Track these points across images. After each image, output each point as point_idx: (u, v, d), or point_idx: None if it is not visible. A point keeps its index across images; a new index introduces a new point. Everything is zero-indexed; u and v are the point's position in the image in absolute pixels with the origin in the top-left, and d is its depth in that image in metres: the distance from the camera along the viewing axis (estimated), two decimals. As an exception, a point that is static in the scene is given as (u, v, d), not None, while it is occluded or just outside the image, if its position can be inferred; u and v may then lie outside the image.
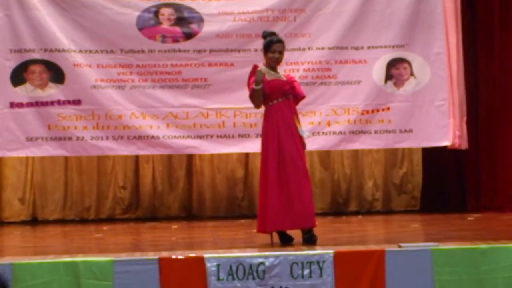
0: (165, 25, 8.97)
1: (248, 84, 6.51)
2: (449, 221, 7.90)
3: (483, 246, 5.06)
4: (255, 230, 7.55)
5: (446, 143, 8.97)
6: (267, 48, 6.48)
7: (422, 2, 9.03)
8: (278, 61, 6.54)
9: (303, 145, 6.33)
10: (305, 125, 8.69)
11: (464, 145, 8.99)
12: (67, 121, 8.72)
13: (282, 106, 6.34)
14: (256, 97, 6.39)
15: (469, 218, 8.11)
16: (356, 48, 9.02)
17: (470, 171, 9.51)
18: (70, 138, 8.73)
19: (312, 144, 8.92)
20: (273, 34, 6.62)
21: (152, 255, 5.06)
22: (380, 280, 4.98)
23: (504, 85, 9.23)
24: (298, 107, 8.87)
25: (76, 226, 8.90)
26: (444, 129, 8.95)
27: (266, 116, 6.41)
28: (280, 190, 6.04)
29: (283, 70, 8.92)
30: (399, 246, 5.08)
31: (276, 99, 6.37)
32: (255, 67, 6.48)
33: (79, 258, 5.03)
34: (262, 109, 8.66)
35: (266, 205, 6.09)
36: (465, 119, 9.00)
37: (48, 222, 9.45)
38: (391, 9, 9.03)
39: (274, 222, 6.04)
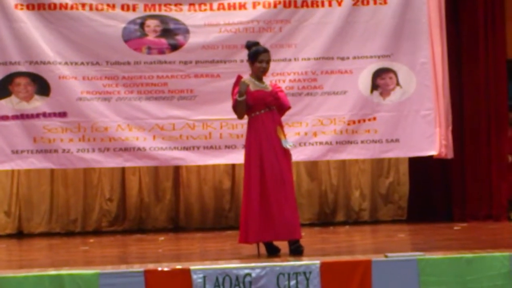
0: (151, 37, 8.96)
1: (232, 95, 6.51)
2: (436, 230, 7.91)
3: (469, 255, 5.07)
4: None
5: (433, 152, 9.00)
6: (253, 58, 6.45)
7: (407, 12, 9.07)
8: (265, 71, 6.53)
9: (288, 156, 6.30)
10: (291, 136, 8.74)
11: (450, 155, 9.02)
12: (52, 134, 8.69)
13: (264, 118, 6.33)
14: (239, 108, 6.39)
15: (455, 228, 8.13)
16: (342, 59, 9.05)
17: (456, 181, 9.53)
18: (56, 151, 8.70)
19: (299, 155, 8.94)
20: (257, 43, 6.61)
21: (138, 268, 5.04)
22: (367, 290, 4.97)
23: (488, 94, 9.28)
24: (284, 118, 8.89)
25: (62, 239, 8.86)
26: (430, 138, 8.98)
27: (249, 127, 6.41)
28: (262, 201, 6.02)
29: (268, 81, 9.01)
30: (386, 256, 5.08)
31: (259, 110, 6.36)
32: (239, 78, 6.47)
33: (64, 271, 5.00)
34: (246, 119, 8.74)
35: (248, 216, 6.08)
36: (450, 128, 9.03)
37: (33, 235, 9.39)
38: (376, 19, 9.07)
39: (256, 233, 6.02)
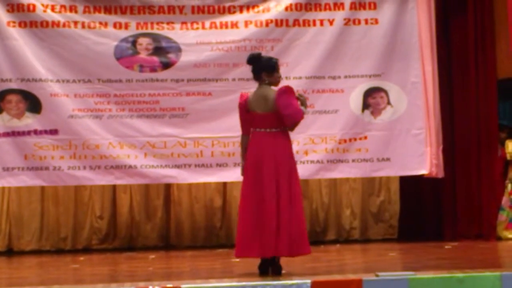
0: (143, 55, 8.98)
1: (293, 106, 5.79)
2: (427, 249, 7.91)
3: (460, 275, 5.06)
4: (234, 259, 7.54)
5: (423, 171, 9.02)
6: (274, 68, 5.96)
7: (398, 32, 9.14)
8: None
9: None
10: (283, 154, 8.73)
11: (441, 174, 9.04)
12: (43, 151, 8.68)
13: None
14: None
15: (446, 247, 8.13)
16: (333, 78, 9.09)
17: (447, 200, 9.55)
18: (46, 168, 8.68)
19: (291, 173, 8.93)
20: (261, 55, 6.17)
21: (129, 286, 5.02)
22: (358, 310, 4.96)
23: (479, 113, 9.31)
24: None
25: (52, 256, 8.81)
26: (421, 157, 9.00)
27: (284, 139, 5.91)
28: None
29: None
30: (377, 275, 5.08)
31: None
32: (291, 89, 5.84)
33: (54, 290, 4.98)
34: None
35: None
36: (441, 147, 9.06)
37: (24, 253, 9.35)
38: (367, 39, 9.12)
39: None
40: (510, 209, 9.04)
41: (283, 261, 5.91)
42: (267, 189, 5.66)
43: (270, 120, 5.73)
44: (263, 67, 5.92)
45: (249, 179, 5.74)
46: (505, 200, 9.10)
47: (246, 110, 5.86)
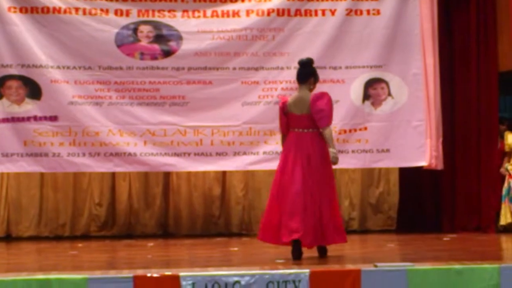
0: (144, 42, 8.96)
1: (325, 113, 6.24)
2: (425, 241, 7.92)
3: (458, 266, 5.06)
4: (232, 248, 7.54)
5: (423, 163, 9.01)
6: (318, 78, 6.43)
7: (400, 23, 9.11)
8: None
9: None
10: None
11: (440, 166, 9.04)
12: (43, 137, 8.67)
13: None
14: None
15: (444, 239, 8.14)
16: (334, 68, 9.06)
17: (446, 192, 9.56)
18: (46, 154, 8.67)
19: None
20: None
21: (127, 273, 5.01)
22: (356, 300, 4.97)
23: (480, 106, 9.30)
24: (276, 125, 8.97)
25: (50, 243, 8.82)
26: (421, 149, 8.99)
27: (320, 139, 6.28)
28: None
29: (261, 89, 9.03)
30: (375, 266, 5.08)
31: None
32: (326, 95, 6.28)
33: (52, 276, 4.97)
34: (241, 127, 8.65)
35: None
36: (441, 139, 9.05)
37: (22, 239, 9.36)
38: (369, 29, 9.09)
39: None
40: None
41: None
42: (300, 182, 6.04)
43: (305, 121, 6.13)
44: (313, 74, 6.33)
45: (281, 171, 6.16)
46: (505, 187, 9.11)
47: (284, 112, 6.23)
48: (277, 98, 8.83)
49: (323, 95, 6.23)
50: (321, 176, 6.09)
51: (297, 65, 8.94)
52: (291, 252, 6.09)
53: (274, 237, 6.17)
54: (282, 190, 6.17)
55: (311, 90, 6.30)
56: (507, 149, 9.21)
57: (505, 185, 9.08)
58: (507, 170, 9.11)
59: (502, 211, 9.03)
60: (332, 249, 6.38)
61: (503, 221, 9.02)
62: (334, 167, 6.32)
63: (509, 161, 9.16)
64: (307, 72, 6.34)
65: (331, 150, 6.13)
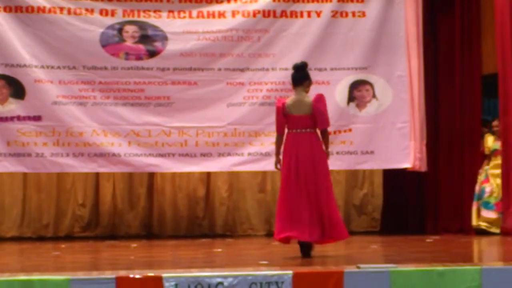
0: (129, 43, 8.94)
1: (326, 115, 6.45)
2: (408, 242, 7.94)
3: (440, 268, 5.07)
4: (216, 249, 7.54)
5: (407, 165, 9.04)
6: (311, 79, 6.58)
7: (385, 25, 9.14)
8: None
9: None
10: (268, 145, 8.77)
11: (424, 168, 9.07)
12: (26, 137, 8.62)
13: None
14: None
15: (427, 240, 8.16)
16: (320, 70, 9.08)
17: (429, 194, 9.60)
18: (29, 155, 8.63)
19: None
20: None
21: (110, 274, 4.98)
22: (338, 301, 4.97)
23: (463, 108, 9.34)
24: (261, 127, 9.00)
25: (33, 243, 8.77)
26: (405, 151, 9.02)
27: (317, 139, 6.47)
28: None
29: (246, 90, 9.04)
30: (358, 267, 5.08)
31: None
32: (325, 98, 6.48)
33: (35, 277, 4.95)
34: (226, 128, 8.62)
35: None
36: (425, 141, 9.09)
37: (4, 239, 9.31)
38: (354, 32, 9.12)
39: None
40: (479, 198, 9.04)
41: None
42: (302, 181, 6.23)
43: (304, 121, 6.30)
44: (308, 77, 6.49)
45: (286, 172, 6.31)
46: (477, 189, 9.10)
47: (283, 113, 6.36)
48: (274, 99, 8.85)
49: (322, 97, 6.43)
50: (319, 174, 6.28)
51: (282, 67, 9.07)
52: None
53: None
54: (289, 188, 6.33)
55: (307, 92, 6.46)
56: (486, 152, 9.22)
57: (477, 187, 9.06)
58: (485, 173, 9.10)
59: (473, 213, 9.03)
60: (315, 250, 6.39)
61: (474, 222, 9.03)
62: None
63: (488, 164, 9.17)
64: (302, 75, 6.48)
65: (327, 150, 6.39)
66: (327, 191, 6.31)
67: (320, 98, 6.38)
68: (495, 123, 9.15)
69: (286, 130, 6.40)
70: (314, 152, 6.28)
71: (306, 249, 6.28)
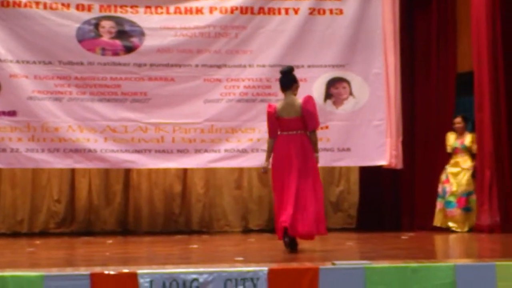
0: (106, 38, 8.90)
1: (316, 116, 6.57)
2: (384, 239, 7.97)
3: (415, 264, 5.10)
4: (192, 246, 7.52)
5: (383, 162, 9.08)
6: (298, 82, 6.71)
7: (362, 23, 9.17)
8: None
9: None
10: (244, 142, 8.77)
11: (400, 165, 9.12)
12: (1, 133, 8.56)
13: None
14: None
15: (403, 237, 8.20)
16: (297, 67, 9.01)
17: (405, 191, 9.64)
18: (4, 150, 8.57)
19: (251, 161, 8.97)
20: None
21: (84, 270, 4.95)
22: (313, 298, 4.98)
23: (439, 106, 9.39)
24: (238, 123, 9.01)
25: (7, 239, 8.70)
26: (381, 148, 9.07)
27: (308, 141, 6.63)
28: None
29: (223, 87, 9.03)
30: (333, 264, 5.10)
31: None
32: (314, 99, 6.65)
33: (8, 273, 4.91)
34: (203, 124, 8.64)
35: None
36: (401, 139, 9.13)
37: (-21, 235, 9.23)
38: (331, 29, 9.14)
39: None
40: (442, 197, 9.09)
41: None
42: (292, 180, 6.40)
43: (295, 123, 6.50)
44: (295, 80, 6.65)
45: (278, 173, 6.51)
46: (440, 189, 9.14)
47: (275, 117, 6.57)
48: (251, 96, 8.98)
49: (311, 99, 6.61)
50: (308, 173, 6.47)
51: (260, 63, 9.07)
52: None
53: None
54: (282, 187, 6.49)
55: (295, 95, 6.62)
56: (448, 150, 9.19)
57: (440, 187, 9.10)
58: (446, 172, 9.12)
59: (437, 213, 9.06)
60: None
61: (436, 221, 9.07)
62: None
63: (449, 163, 9.18)
64: (289, 79, 6.63)
65: (317, 155, 6.55)
66: (315, 189, 6.46)
67: (308, 100, 6.54)
68: (456, 120, 9.16)
69: (278, 133, 6.59)
70: (305, 152, 6.47)
71: (292, 244, 6.42)
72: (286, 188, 6.43)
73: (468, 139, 9.03)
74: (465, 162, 9.02)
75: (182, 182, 9.94)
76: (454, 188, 8.94)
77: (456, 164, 9.01)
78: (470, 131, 9.59)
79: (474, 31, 8.69)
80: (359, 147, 9.04)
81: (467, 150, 9.04)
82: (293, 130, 6.50)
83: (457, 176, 8.97)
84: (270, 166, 6.57)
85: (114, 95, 8.85)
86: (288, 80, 6.62)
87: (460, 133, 9.10)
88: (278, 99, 9.05)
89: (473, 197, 8.86)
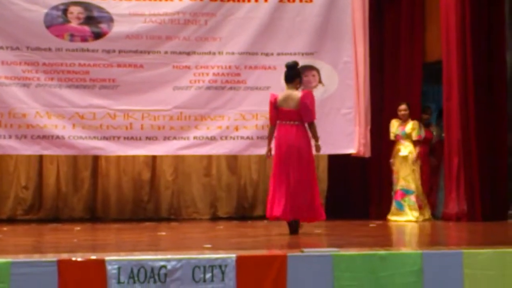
0: (74, 24, 8.81)
1: (312, 110, 6.95)
2: (352, 227, 8.03)
3: (382, 252, 5.14)
4: (160, 233, 7.51)
5: (352, 150, 9.14)
6: (302, 77, 7.30)
7: (332, 12, 9.19)
8: None
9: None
10: (213, 130, 8.77)
11: (368, 153, 9.18)
12: (-33, 118, 8.45)
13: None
14: None
15: (371, 225, 8.27)
16: (266, 54, 9.10)
17: (373, 179, 9.72)
18: (-30, 136, 8.47)
19: (220, 148, 8.97)
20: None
21: (52, 257, 4.93)
22: (282, 285, 4.99)
23: (408, 95, 9.46)
24: (207, 111, 9.04)
25: (-26, 226, 8.62)
26: (350, 136, 9.12)
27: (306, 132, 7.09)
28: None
29: (192, 74, 9.00)
30: (302, 251, 5.13)
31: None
32: (313, 95, 7.05)
33: (-26, 260, 4.87)
34: (171, 111, 8.65)
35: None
36: (369, 127, 9.18)
37: None
38: (301, 17, 9.15)
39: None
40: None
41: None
42: (290, 166, 6.88)
43: (293, 115, 6.93)
44: (299, 75, 7.13)
45: (277, 159, 6.96)
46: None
47: (275, 107, 6.99)
48: (220, 83, 8.99)
49: (309, 94, 7.02)
50: (303, 161, 6.91)
51: (229, 51, 9.05)
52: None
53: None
54: (279, 173, 6.93)
55: (297, 88, 7.05)
56: (392, 137, 9.15)
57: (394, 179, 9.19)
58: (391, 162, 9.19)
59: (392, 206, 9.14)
60: (259, 234, 6.42)
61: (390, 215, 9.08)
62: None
63: (393, 150, 9.15)
64: (294, 74, 7.06)
65: (317, 143, 7.07)
66: (308, 177, 6.93)
67: (307, 95, 6.96)
68: (401, 107, 9.10)
69: (277, 122, 7.00)
70: (300, 141, 6.92)
71: (293, 227, 6.98)
72: (284, 176, 6.87)
73: (409, 126, 9.04)
74: (406, 148, 9.03)
75: (151, 169, 9.90)
76: (395, 179, 9.02)
77: (398, 151, 9.07)
78: (435, 121, 9.67)
79: (443, 20, 8.76)
80: (328, 135, 9.03)
81: (408, 137, 9.06)
82: (291, 120, 6.94)
83: (401, 164, 8.99)
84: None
85: (82, 81, 8.79)
86: (293, 75, 7.06)
87: (404, 120, 9.11)
88: (246, 86, 9.09)
89: (411, 198, 8.89)
